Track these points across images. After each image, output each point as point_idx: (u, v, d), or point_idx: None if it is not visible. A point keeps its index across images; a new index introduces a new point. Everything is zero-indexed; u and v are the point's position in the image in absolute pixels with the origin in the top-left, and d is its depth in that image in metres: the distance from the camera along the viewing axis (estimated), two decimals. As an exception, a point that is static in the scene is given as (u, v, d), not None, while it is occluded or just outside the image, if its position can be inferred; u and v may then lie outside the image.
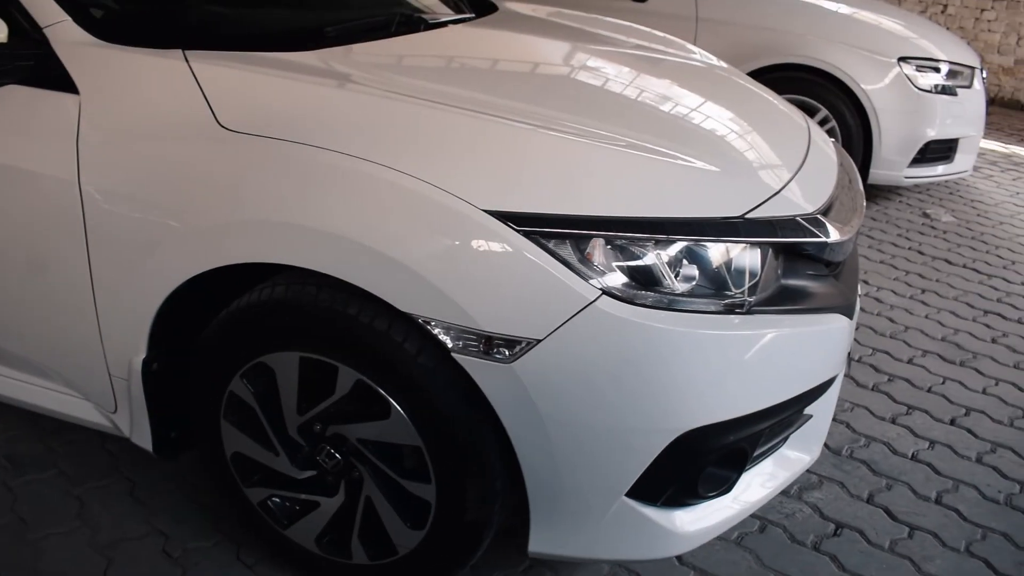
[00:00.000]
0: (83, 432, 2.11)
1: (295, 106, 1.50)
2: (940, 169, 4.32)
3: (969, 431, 2.44)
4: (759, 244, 1.44)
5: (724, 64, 2.43)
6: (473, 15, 2.36)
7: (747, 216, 1.45)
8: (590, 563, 1.81)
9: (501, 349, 1.33)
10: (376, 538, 1.58)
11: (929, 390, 2.65)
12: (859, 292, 1.79)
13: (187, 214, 1.46)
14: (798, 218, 1.51)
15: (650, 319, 1.33)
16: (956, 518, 2.06)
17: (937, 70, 4.17)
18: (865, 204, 1.89)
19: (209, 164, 1.45)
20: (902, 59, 4.09)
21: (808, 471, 1.99)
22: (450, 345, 1.35)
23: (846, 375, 2.62)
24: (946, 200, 4.65)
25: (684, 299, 1.37)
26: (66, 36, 1.58)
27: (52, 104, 1.56)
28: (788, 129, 1.95)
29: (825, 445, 2.12)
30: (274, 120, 1.45)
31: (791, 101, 2.89)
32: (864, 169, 4.15)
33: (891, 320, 3.13)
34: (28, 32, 1.58)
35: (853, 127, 4.11)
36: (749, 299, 1.41)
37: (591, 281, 1.32)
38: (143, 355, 1.59)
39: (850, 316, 1.59)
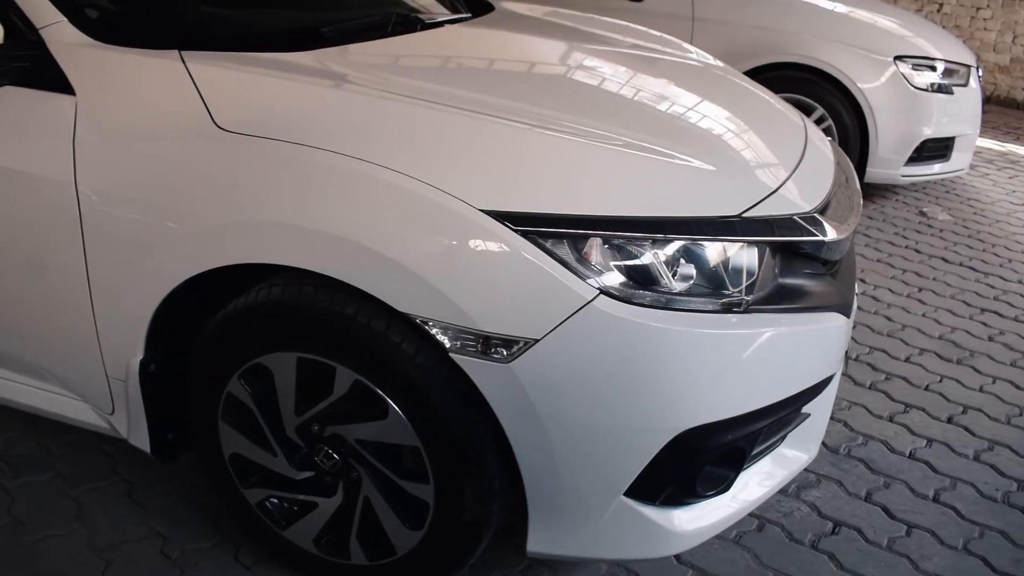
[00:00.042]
0: (81, 433, 2.11)
1: (292, 106, 1.49)
2: (936, 168, 4.32)
3: (966, 429, 2.44)
4: (756, 243, 1.44)
5: (721, 63, 2.43)
6: (470, 15, 2.36)
7: (744, 215, 1.46)
8: (589, 562, 1.81)
9: (499, 349, 1.33)
10: (374, 538, 1.58)
11: (926, 388, 2.66)
12: (856, 291, 1.79)
13: (184, 215, 1.46)
14: (795, 217, 1.51)
15: (648, 318, 1.33)
16: (954, 516, 2.06)
17: (933, 69, 4.17)
18: (862, 203, 1.89)
19: (206, 165, 1.45)
20: (898, 58, 4.09)
21: (806, 470, 1.99)
22: (448, 345, 1.35)
23: (843, 373, 2.62)
24: (943, 198, 4.65)
25: (681, 298, 1.37)
26: (62, 37, 1.58)
27: (48, 105, 1.55)
28: (785, 128, 1.95)
29: (823, 443, 2.13)
30: (271, 120, 1.45)
31: (787, 100, 2.89)
32: (861, 168, 4.16)
33: (888, 318, 3.13)
34: (24, 33, 1.58)
35: (849, 126, 4.12)
36: (746, 298, 1.41)
37: (588, 280, 1.32)
38: (140, 356, 1.59)
39: (847, 314, 1.59)
